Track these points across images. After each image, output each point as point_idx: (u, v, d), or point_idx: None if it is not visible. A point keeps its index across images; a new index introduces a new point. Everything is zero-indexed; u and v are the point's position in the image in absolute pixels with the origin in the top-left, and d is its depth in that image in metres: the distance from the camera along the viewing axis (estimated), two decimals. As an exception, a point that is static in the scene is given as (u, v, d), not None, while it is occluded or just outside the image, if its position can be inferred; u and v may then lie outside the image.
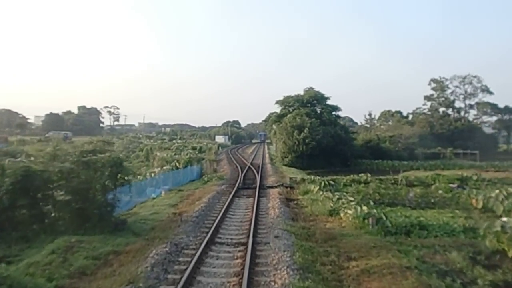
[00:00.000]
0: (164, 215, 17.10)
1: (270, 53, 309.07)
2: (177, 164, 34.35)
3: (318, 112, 57.42)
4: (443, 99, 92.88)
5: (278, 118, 60.55)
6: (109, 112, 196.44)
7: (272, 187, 26.06)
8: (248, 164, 44.20)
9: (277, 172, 39.38)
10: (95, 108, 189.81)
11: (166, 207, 19.34)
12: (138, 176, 27.60)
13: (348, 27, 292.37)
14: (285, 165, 49.45)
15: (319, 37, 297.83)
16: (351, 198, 18.85)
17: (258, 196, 21.86)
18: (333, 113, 57.96)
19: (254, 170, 37.56)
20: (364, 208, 16.05)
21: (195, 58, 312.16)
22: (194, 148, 68.50)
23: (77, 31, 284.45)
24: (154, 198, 23.75)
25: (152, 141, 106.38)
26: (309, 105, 57.99)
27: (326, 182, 23.17)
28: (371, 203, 20.36)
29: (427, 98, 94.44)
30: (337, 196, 19.89)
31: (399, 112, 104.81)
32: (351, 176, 34.73)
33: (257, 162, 50.51)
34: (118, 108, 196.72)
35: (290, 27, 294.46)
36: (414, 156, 71.20)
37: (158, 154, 46.57)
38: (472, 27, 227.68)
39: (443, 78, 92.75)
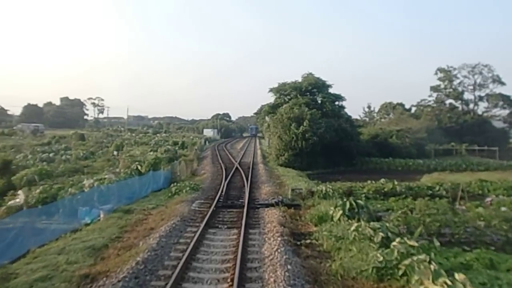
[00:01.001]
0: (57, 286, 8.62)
1: (263, 41, 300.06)
2: (139, 167, 25.76)
3: (319, 102, 48.93)
4: (451, 90, 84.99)
5: (272, 108, 51.75)
6: (93, 103, 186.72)
7: (267, 205, 17.69)
8: (236, 164, 35.84)
9: (272, 175, 31.00)
10: (79, 100, 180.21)
11: (81, 256, 10.82)
12: (70, 189, 18.99)
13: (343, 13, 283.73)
14: (281, 165, 41.06)
15: (313, 21, 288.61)
16: (413, 243, 10.41)
17: (246, 226, 13.53)
18: (336, 103, 49.47)
19: (243, 173, 29.21)
20: (464, 278, 7.72)
21: (185, 48, 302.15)
22: (175, 143, 59.98)
23: (63, 20, 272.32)
24: (88, 224, 15.33)
25: (134, 134, 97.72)
26: (308, 93, 49.44)
27: (353, 203, 14.71)
28: (436, 243, 12.15)
29: (433, 89, 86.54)
30: (380, 234, 11.50)
31: (401, 105, 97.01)
32: (371, 183, 26.63)
33: (247, 160, 42.16)
34: (102, 100, 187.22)
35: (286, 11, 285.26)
36: (424, 153, 63.41)
37: (115, 152, 37.66)
38: (483, 12, 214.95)
39: (451, 67, 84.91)
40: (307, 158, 42.08)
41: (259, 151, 55.35)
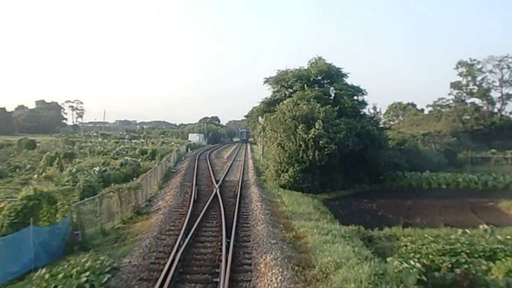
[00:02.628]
0: None
1: (257, 38, 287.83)
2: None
3: (333, 96, 36.01)
4: (474, 87, 72.77)
5: (268, 106, 38.19)
6: (71, 107, 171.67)
7: None
8: (216, 189, 22.80)
9: (276, 216, 17.74)
10: (56, 103, 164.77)
11: None
12: None
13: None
14: (283, 186, 28.08)
15: (306, 17, 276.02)
16: None
17: None
18: (355, 97, 36.53)
19: (223, 212, 16.20)
20: None
21: (176, 50, 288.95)
22: (143, 153, 46.55)
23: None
24: None
25: (106, 140, 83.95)
26: (316, 85, 36.59)
27: None
28: None
29: (454, 85, 74.18)
30: None
31: (413, 105, 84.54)
32: (473, 237, 13.69)
33: (234, 179, 29.15)
34: (81, 103, 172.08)
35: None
36: (456, 163, 50.83)
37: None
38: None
39: (474, 60, 72.54)
40: (320, 175, 29.18)
41: (250, 162, 42.29)
